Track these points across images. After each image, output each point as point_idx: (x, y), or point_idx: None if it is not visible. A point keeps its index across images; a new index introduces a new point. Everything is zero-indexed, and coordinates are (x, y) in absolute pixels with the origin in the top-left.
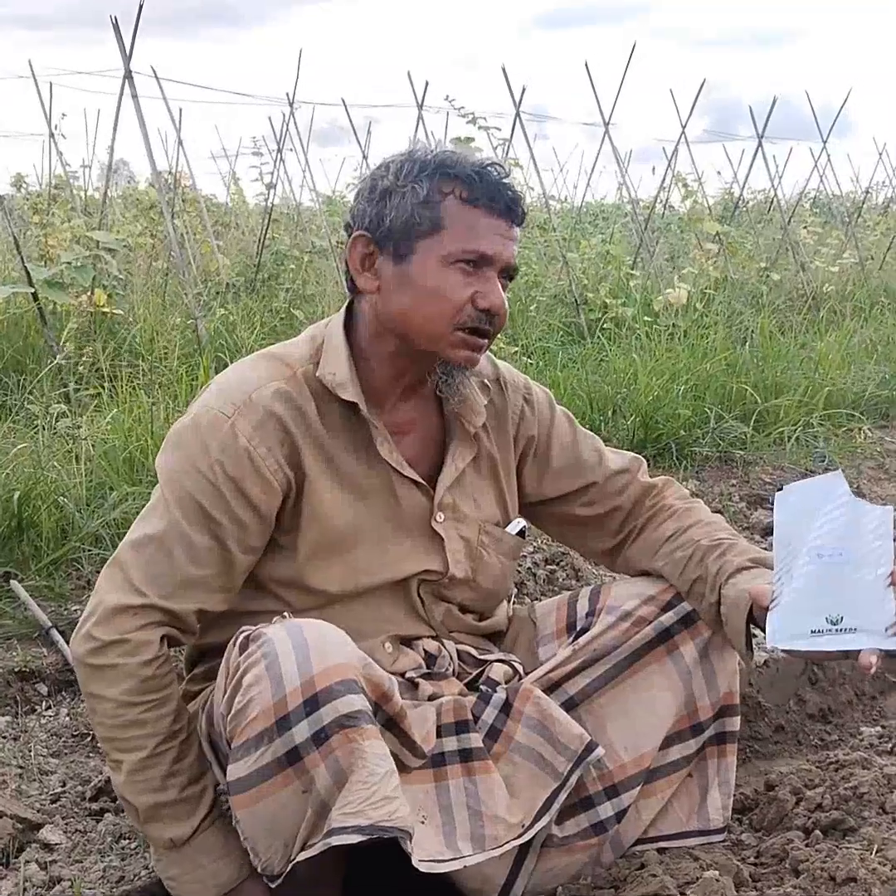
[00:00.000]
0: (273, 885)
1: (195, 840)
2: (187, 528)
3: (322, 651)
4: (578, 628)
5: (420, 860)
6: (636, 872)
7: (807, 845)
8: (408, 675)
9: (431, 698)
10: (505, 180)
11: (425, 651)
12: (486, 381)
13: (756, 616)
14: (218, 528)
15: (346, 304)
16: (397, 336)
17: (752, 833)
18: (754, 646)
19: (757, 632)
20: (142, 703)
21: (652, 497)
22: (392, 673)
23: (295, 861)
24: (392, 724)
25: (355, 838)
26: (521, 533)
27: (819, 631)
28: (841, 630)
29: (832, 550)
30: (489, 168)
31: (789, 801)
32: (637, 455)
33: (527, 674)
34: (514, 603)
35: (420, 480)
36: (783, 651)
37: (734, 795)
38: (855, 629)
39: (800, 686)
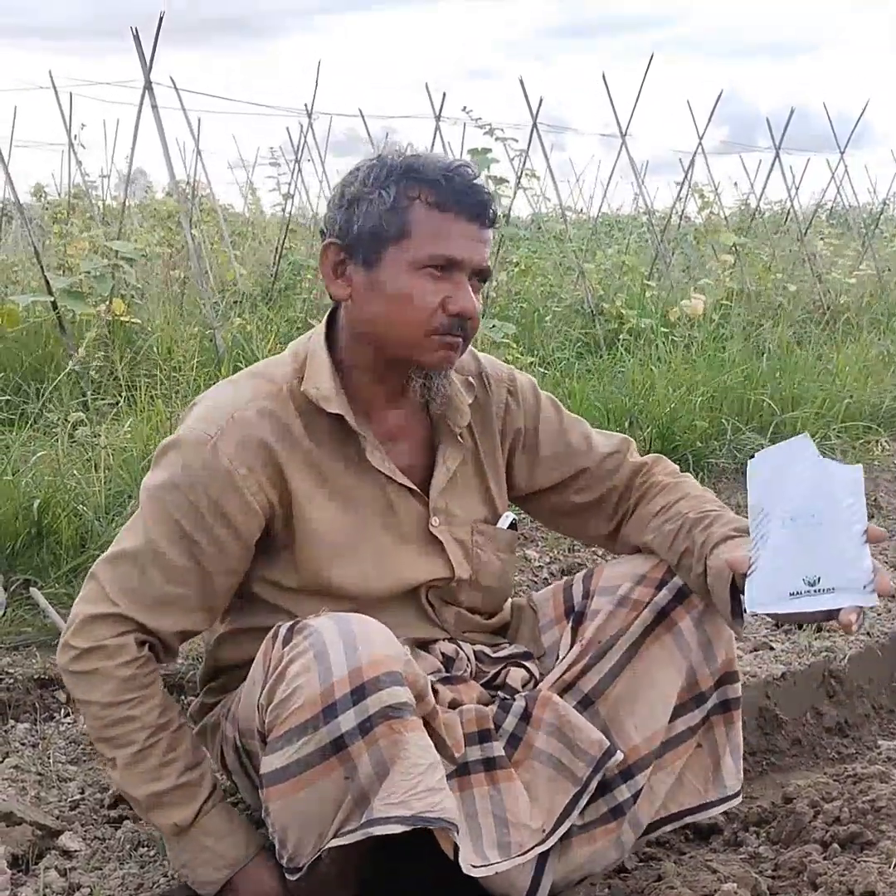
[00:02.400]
0: (294, 878)
1: (199, 823)
2: (164, 547)
3: (369, 642)
4: (576, 611)
5: (465, 863)
6: (654, 884)
7: (825, 859)
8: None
9: (452, 704)
10: (474, 183)
11: (443, 653)
12: (470, 379)
13: (739, 584)
14: (195, 548)
15: (326, 315)
16: (372, 343)
17: (769, 846)
18: (744, 617)
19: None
20: (125, 702)
21: (642, 475)
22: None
23: (326, 848)
24: (425, 725)
25: (397, 828)
26: (513, 526)
27: (797, 593)
28: (819, 591)
29: (805, 512)
30: (458, 170)
31: (807, 815)
32: (626, 436)
33: (538, 663)
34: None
35: (414, 487)
36: (764, 615)
37: (751, 808)
38: (833, 589)
39: (817, 699)
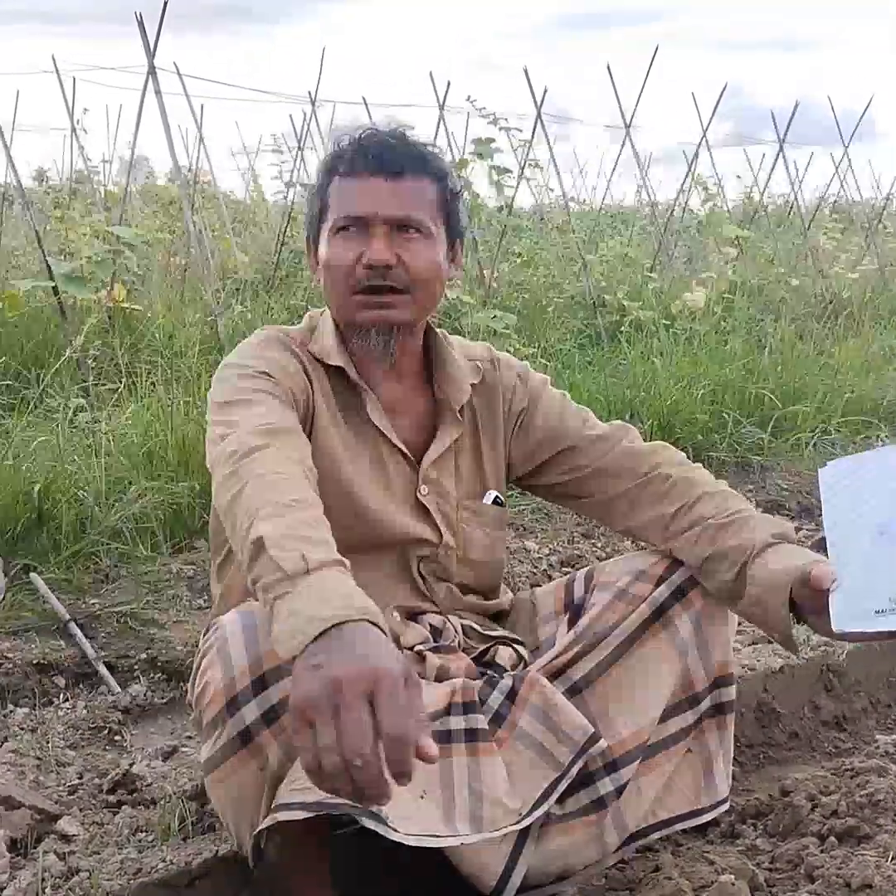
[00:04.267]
0: (252, 867)
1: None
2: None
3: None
4: (575, 605)
5: (409, 834)
6: (652, 875)
7: (822, 851)
8: (416, 648)
9: (439, 671)
10: (383, 139)
11: (431, 625)
12: (477, 363)
13: (797, 597)
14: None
15: None
16: (333, 314)
17: (767, 838)
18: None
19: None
20: None
21: (644, 463)
22: (401, 647)
23: (254, 837)
24: None
25: (300, 814)
26: (498, 502)
27: (882, 611)
28: None
29: (893, 527)
30: (368, 132)
31: (804, 808)
32: (627, 424)
33: (530, 654)
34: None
35: (405, 451)
36: (847, 633)
37: (748, 800)
38: None
39: (815, 693)
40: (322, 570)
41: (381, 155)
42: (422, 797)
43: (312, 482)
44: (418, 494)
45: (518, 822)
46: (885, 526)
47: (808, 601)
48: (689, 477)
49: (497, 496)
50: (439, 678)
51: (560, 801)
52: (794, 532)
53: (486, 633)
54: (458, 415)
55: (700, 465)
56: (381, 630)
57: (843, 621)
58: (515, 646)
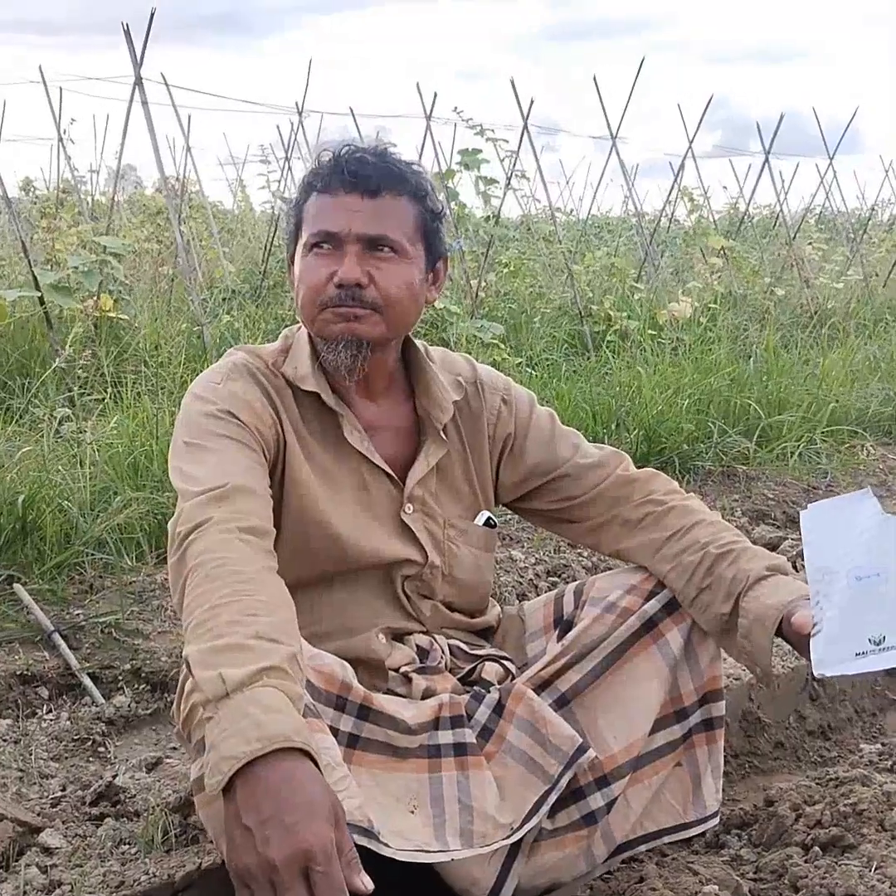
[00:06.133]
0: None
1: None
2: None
3: None
4: (564, 620)
5: (400, 849)
6: (636, 886)
7: (806, 861)
8: (402, 669)
9: (425, 692)
10: (360, 156)
11: (417, 645)
12: (460, 379)
13: (786, 633)
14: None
15: None
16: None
17: (751, 848)
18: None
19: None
20: None
21: (638, 490)
22: (388, 668)
23: None
24: (365, 711)
25: None
26: (489, 524)
27: (863, 653)
28: (884, 649)
29: (870, 571)
30: (347, 149)
31: (789, 817)
32: (620, 451)
33: (518, 671)
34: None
35: (389, 471)
36: (827, 677)
37: (733, 810)
38: None
39: (800, 702)
40: (241, 691)
41: (358, 172)
42: (412, 812)
43: (257, 549)
44: (402, 513)
45: (509, 837)
46: (860, 570)
47: (796, 639)
48: (686, 505)
49: (490, 518)
50: (425, 699)
51: (551, 816)
52: (789, 565)
53: (473, 652)
54: (442, 433)
55: (694, 494)
56: (297, 750)
57: (823, 666)
58: (503, 662)
